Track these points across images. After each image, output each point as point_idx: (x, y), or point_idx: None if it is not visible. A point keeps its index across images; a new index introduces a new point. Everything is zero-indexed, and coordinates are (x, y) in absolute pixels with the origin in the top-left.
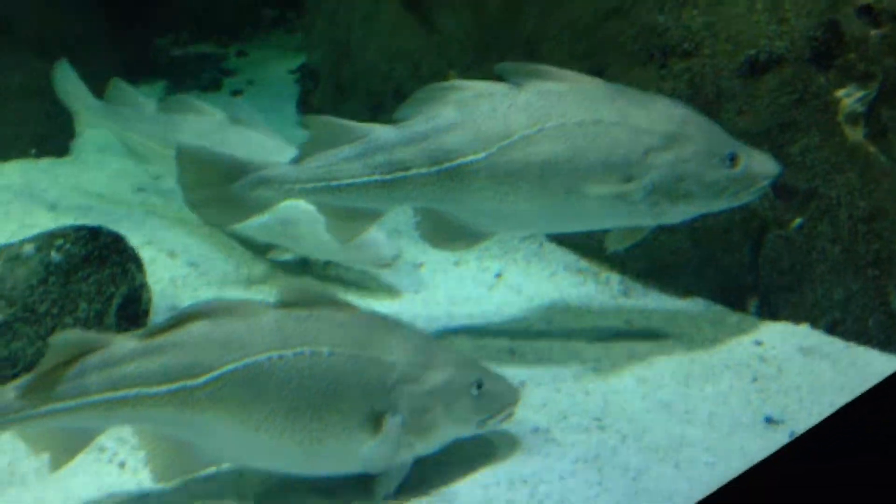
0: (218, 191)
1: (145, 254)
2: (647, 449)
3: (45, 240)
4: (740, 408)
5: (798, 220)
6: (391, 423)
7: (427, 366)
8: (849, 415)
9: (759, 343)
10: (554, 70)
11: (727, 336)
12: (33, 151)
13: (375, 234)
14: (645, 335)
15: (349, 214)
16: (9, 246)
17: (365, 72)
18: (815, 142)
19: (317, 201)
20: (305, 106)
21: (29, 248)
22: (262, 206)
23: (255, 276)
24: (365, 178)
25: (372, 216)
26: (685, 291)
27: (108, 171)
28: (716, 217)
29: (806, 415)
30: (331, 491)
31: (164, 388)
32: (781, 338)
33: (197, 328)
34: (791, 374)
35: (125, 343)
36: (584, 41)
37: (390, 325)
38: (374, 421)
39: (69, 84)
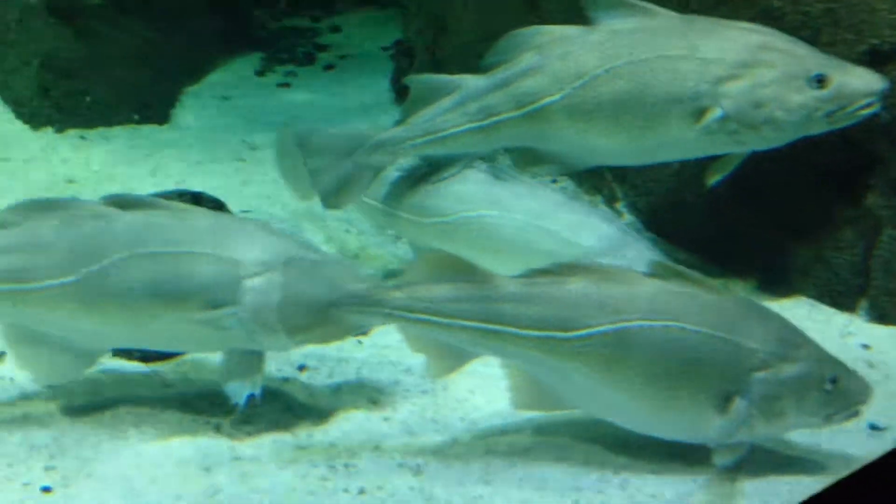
0: (339, 167)
1: None
2: None
3: None
4: None
5: None
6: (739, 406)
7: (786, 356)
8: None
9: (866, 347)
10: (635, 3)
11: (832, 338)
12: (136, 118)
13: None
14: None
15: (452, 162)
16: None
17: (461, 49)
18: None
19: (425, 154)
20: (399, 83)
21: None
22: (378, 171)
23: (347, 251)
24: (465, 126)
25: (471, 161)
26: (789, 290)
27: (207, 139)
28: (826, 213)
29: None
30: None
31: (535, 332)
32: (891, 343)
33: (575, 284)
34: None
35: (506, 283)
36: None
37: (759, 312)
38: (723, 399)
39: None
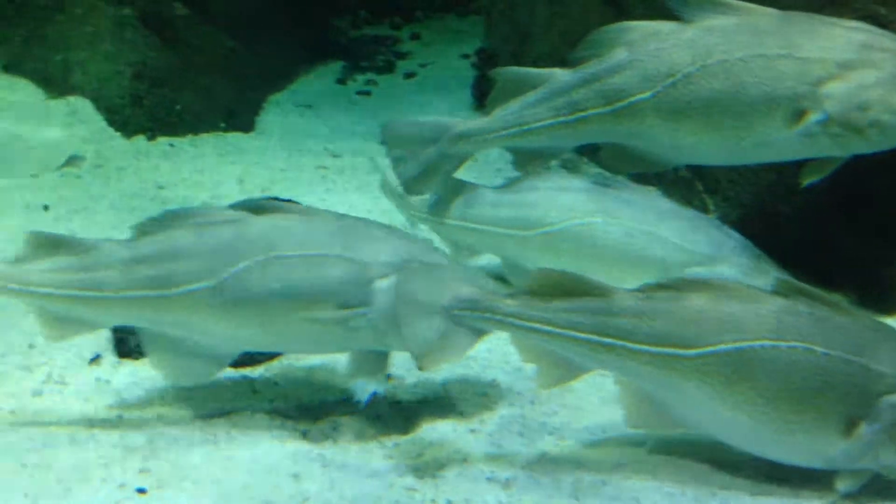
0: (422, 155)
1: None
2: None
3: None
4: None
5: None
6: (866, 431)
7: None
8: None
9: None
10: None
11: None
12: (222, 126)
13: None
14: None
15: (536, 155)
16: None
17: (547, 57)
18: None
19: (509, 146)
20: (480, 90)
21: None
22: (461, 161)
23: None
24: (549, 121)
25: (556, 154)
26: (891, 306)
27: (290, 147)
28: None
29: None
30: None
31: (653, 348)
32: None
33: (695, 300)
34: None
35: (623, 297)
36: None
37: (888, 333)
38: (848, 424)
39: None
